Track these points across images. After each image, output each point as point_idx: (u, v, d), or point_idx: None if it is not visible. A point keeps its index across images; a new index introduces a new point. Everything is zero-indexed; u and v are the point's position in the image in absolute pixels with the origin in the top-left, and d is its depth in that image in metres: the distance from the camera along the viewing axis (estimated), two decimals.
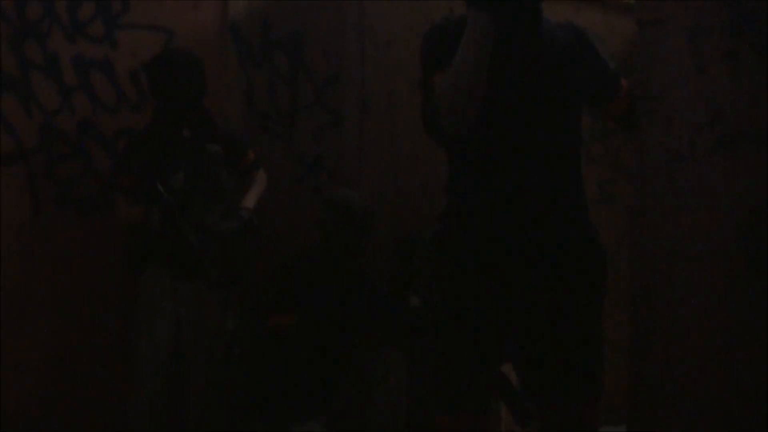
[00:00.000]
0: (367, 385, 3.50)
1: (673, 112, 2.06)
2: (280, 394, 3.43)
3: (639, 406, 2.52)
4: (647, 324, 2.28)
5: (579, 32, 2.14)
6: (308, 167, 4.12)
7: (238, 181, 3.59)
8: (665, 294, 2.21)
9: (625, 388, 2.73)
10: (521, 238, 2.05)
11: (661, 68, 2.10)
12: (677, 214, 2.10)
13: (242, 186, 3.60)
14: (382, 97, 4.09)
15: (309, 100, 4.11)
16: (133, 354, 3.36)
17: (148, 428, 3.29)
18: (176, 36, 3.84)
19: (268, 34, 4.10)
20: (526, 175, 2.05)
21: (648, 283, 2.27)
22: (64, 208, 3.63)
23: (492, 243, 2.05)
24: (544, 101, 2.05)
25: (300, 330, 3.46)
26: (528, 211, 2.06)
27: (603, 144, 4.89)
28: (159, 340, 3.32)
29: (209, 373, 3.40)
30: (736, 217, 1.96)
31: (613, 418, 4.63)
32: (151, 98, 3.52)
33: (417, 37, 3.74)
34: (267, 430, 3.42)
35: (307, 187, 4.10)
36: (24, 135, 3.57)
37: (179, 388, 3.40)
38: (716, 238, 2.02)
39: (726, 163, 1.96)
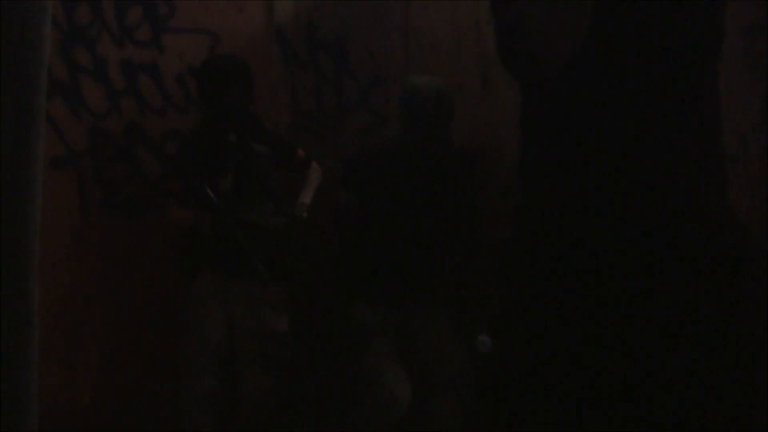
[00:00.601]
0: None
1: (726, 113, 2.00)
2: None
3: None
4: None
5: None
6: None
7: (292, 178, 3.62)
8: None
9: None
10: None
11: None
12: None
13: (299, 181, 3.61)
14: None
15: (354, 102, 4.09)
16: (184, 355, 3.34)
17: (199, 429, 3.29)
18: (221, 39, 3.87)
19: (313, 36, 4.11)
20: None
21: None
22: (112, 210, 3.67)
23: None
24: None
25: (363, 209, 3.53)
26: None
27: None
28: (210, 340, 3.31)
29: (262, 375, 3.37)
30: None
31: None
32: (199, 103, 3.51)
33: (462, 39, 3.78)
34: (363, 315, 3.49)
35: None
36: (73, 139, 3.62)
37: (232, 389, 3.38)
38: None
39: None
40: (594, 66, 1.48)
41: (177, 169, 3.45)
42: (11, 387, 1.87)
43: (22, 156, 1.87)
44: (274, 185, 3.49)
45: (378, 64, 4.12)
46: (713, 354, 1.44)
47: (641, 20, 1.48)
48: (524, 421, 1.61)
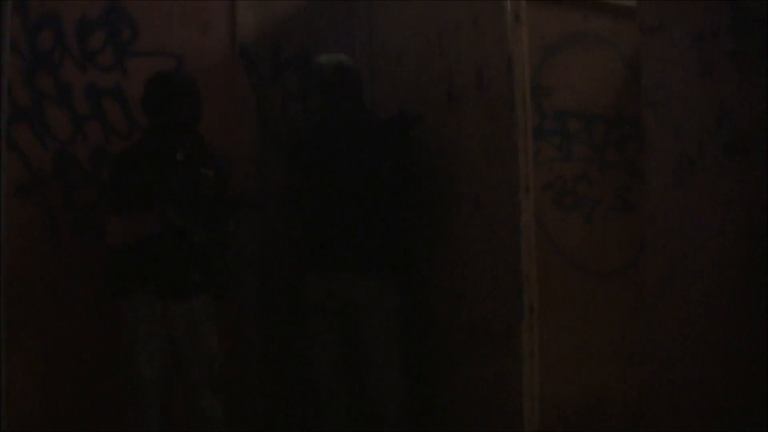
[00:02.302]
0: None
1: (681, 118, 2.04)
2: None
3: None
4: (659, 328, 2.25)
5: None
6: None
7: None
8: (677, 299, 2.18)
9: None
10: None
11: (667, 73, 2.09)
12: (688, 219, 2.07)
13: None
14: (393, 106, 4.06)
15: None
16: (133, 378, 3.32)
17: None
18: (185, 60, 3.87)
19: (278, 54, 4.12)
20: None
21: (661, 289, 2.23)
22: (82, 234, 3.64)
23: None
24: None
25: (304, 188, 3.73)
26: None
27: (618, 150, 4.86)
28: (157, 362, 3.31)
29: (215, 396, 3.38)
30: (748, 220, 1.93)
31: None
32: (145, 117, 3.48)
33: (427, 50, 3.80)
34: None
35: None
36: (39, 165, 3.60)
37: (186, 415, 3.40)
38: (728, 243, 1.99)
39: (735, 166, 1.93)
40: None
41: (120, 183, 3.39)
42: None
43: None
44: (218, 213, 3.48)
45: None
46: None
47: None
48: None
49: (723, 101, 1.95)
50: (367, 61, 4.12)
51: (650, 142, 2.14)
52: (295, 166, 3.82)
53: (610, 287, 4.82)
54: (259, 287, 4.00)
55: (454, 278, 3.59)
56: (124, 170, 3.39)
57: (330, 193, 3.67)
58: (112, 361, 3.52)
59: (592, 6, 4.60)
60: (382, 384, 3.64)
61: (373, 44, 4.17)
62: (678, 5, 2.05)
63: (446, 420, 3.66)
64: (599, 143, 4.82)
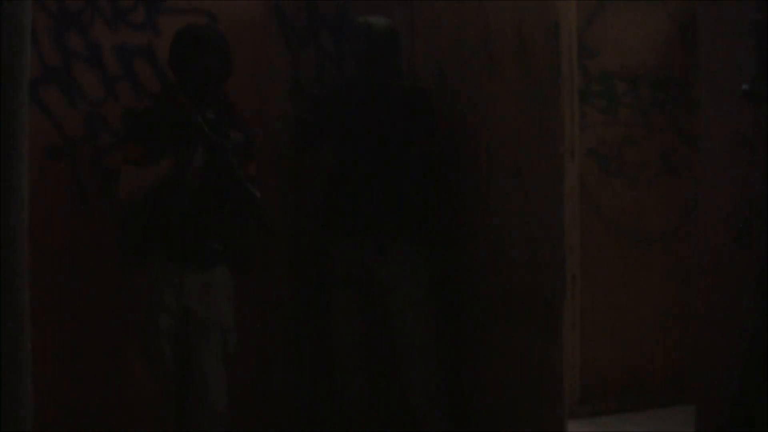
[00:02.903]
0: None
1: (739, 92, 1.88)
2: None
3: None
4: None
5: None
6: None
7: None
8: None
9: None
10: None
11: (725, 43, 1.93)
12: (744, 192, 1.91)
13: None
14: (432, 69, 3.93)
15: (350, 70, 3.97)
16: (142, 354, 3.21)
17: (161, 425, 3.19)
18: (219, 18, 3.74)
19: (314, 13, 3.99)
20: None
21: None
22: (111, 198, 3.55)
23: None
24: None
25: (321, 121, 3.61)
26: None
27: (665, 113, 4.69)
28: (166, 333, 3.16)
29: (220, 368, 3.22)
30: None
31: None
32: (171, 73, 3.32)
33: (466, 13, 3.65)
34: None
35: None
36: (69, 127, 3.51)
37: (189, 387, 3.24)
38: None
39: None
40: None
41: (137, 135, 3.21)
42: (5, 387, 1.81)
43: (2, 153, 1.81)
44: (247, 183, 3.21)
45: None
46: None
47: None
48: None
49: None
50: (405, 16, 3.96)
51: (706, 115, 1.99)
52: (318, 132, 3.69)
53: (652, 253, 4.69)
54: (291, 262, 3.89)
55: (492, 246, 3.48)
56: (144, 127, 3.21)
57: (359, 157, 3.55)
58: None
59: None
60: (414, 358, 3.56)
61: (413, 3, 4.01)
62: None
63: (480, 394, 3.57)
64: (646, 106, 4.66)
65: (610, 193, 4.60)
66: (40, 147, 3.42)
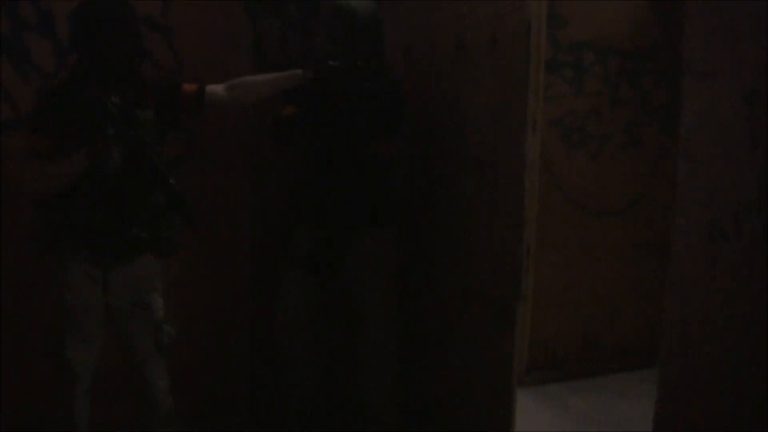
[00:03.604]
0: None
1: (718, 184, 1.85)
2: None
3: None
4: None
5: None
6: None
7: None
8: None
9: None
10: None
11: (709, 129, 1.89)
12: (714, 302, 1.90)
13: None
14: (399, 50, 3.81)
15: (323, 48, 3.84)
16: (62, 362, 2.95)
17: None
18: None
19: None
20: None
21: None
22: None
23: None
24: None
25: (300, 120, 3.42)
26: None
27: (631, 84, 4.64)
28: (93, 343, 2.95)
29: (160, 367, 3.08)
30: None
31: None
32: (74, 51, 2.92)
33: None
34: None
35: None
36: (21, 100, 3.37)
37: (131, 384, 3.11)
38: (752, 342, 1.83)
39: None
40: None
41: (43, 124, 2.84)
42: None
43: None
44: (166, 171, 2.91)
45: None
46: None
47: None
48: None
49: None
50: None
51: (682, 200, 1.95)
52: (291, 100, 3.47)
53: (610, 226, 4.72)
54: (252, 245, 3.84)
55: (454, 242, 3.47)
56: (50, 114, 2.84)
57: (326, 144, 3.45)
58: None
59: None
60: (374, 348, 3.57)
61: None
62: (732, 53, 1.82)
63: (434, 388, 3.62)
64: (612, 77, 4.60)
65: (571, 164, 4.58)
66: None
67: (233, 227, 3.82)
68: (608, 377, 4.71)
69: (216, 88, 3.14)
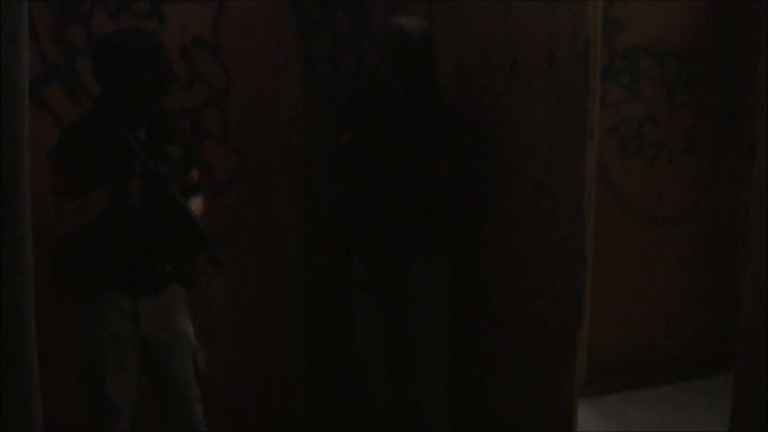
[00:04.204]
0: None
1: None
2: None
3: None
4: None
5: None
6: None
7: None
8: None
9: None
10: None
11: None
12: None
13: None
14: (452, 65, 3.74)
15: (374, 63, 3.79)
16: (100, 401, 2.87)
17: None
18: (226, 6, 3.54)
19: None
20: None
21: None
22: None
23: None
24: None
25: (359, 146, 3.37)
26: None
27: (689, 88, 4.52)
28: (131, 376, 2.88)
29: (196, 393, 3.02)
30: None
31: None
32: (99, 84, 2.85)
33: (490, 13, 3.44)
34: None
35: None
36: None
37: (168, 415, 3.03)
38: None
39: None
40: None
41: (63, 163, 2.80)
42: (12, 389, 1.77)
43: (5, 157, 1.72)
44: (189, 208, 2.86)
45: None
46: None
47: None
48: None
49: None
50: (425, 13, 3.74)
51: (762, 155, 1.85)
52: (347, 127, 3.44)
53: (668, 235, 4.62)
54: (304, 267, 3.81)
55: (510, 267, 3.40)
56: (72, 151, 2.79)
57: (381, 167, 3.40)
58: None
59: None
60: (429, 366, 3.54)
61: None
62: None
63: (491, 413, 3.56)
64: (670, 81, 4.49)
65: (628, 172, 4.48)
66: (44, 149, 3.28)
67: (285, 251, 3.79)
68: (665, 388, 4.63)
69: (199, 199, 3.12)
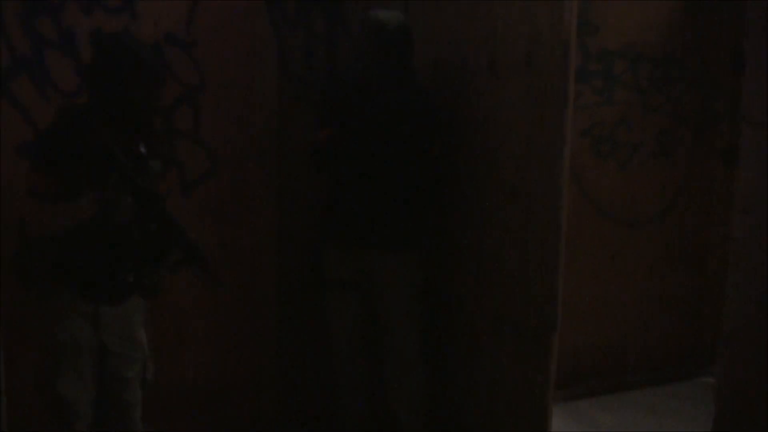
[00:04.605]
0: None
1: None
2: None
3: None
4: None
5: None
6: None
7: None
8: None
9: None
10: None
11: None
12: None
13: None
14: (428, 64, 3.70)
15: (350, 63, 3.75)
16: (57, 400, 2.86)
17: None
18: (200, 2, 3.49)
19: None
20: None
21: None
22: None
23: None
24: None
25: (338, 141, 3.35)
26: None
27: (662, 92, 4.53)
28: (88, 378, 2.86)
29: (138, 401, 3.00)
30: None
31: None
32: (95, 88, 2.76)
33: (469, 12, 3.42)
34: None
35: None
36: (42, 121, 3.28)
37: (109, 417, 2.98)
38: None
39: None
40: None
41: (46, 162, 2.69)
42: None
43: None
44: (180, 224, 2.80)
45: None
46: None
47: None
48: None
49: None
50: (401, 10, 3.70)
51: (748, 166, 1.84)
52: (326, 122, 3.43)
53: (639, 237, 4.63)
54: (277, 264, 3.77)
55: (484, 267, 3.38)
56: (53, 154, 2.68)
57: (358, 163, 3.37)
58: None
59: None
60: (399, 364, 3.52)
61: None
62: None
63: (462, 412, 3.54)
64: (644, 85, 4.50)
65: (600, 175, 4.48)
66: (12, 144, 3.22)
67: (257, 248, 3.75)
68: (637, 392, 4.63)
69: None
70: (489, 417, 3.38)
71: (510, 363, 3.24)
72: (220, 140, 3.63)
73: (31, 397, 3.21)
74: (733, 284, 1.92)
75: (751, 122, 1.86)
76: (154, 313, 3.19)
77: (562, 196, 3.03)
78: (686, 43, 4.51)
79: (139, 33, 3.37)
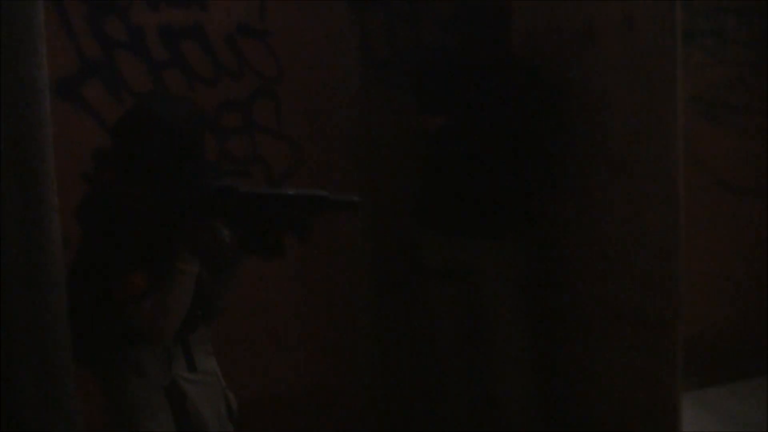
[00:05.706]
0: None
1: None
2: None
3: None
4: None
5: None
6: None
7: None
8: None
9: None
10: None
11: None
12: None
13: None
14: (528, 40, 3.44)
15: (434, 38, 3.51)
16: None
17: None
18: None
19: None
20: None
21: None
22: None
23: None
24: None
25: (452, 129, 3.14)
26: None
27: None
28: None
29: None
30: None
31: None
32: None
33: None
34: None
35: None
36: None
37: None
38: None
39: None
40: None
41: (135, 257, 2.21)
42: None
43: (27, 161, 1.62)
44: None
45: None
46: None
47: None
48: None
49: None
50: None
51: None
52: (429, 108, 3.20)
53: (758, 206, 4.26)
54: (370, 258, 3.57)
55: (593, 252, 3.10)
56: (137, 239, 2.20)
57: (466, 148, 3.14)
58: None
59: None
60: (506, 358, 3.29)
61: None
62: None
63: (580, 409, 3.28)
64: (760, 41, 4.11)
65: (713, 142, 4.12)
66: (86, 149, 3.08)
67: (350, 243, 3.56)
68: (764, 378, 4.25)
69: None
70: (613, 415, 3.11)
71: (632, 356, 2.97)
72: (303, 132, 3.44)
73: None
74: None
75: None
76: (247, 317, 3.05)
77: (679, 168, 2.75)
78: None
79: (210, 27, 3.22)
